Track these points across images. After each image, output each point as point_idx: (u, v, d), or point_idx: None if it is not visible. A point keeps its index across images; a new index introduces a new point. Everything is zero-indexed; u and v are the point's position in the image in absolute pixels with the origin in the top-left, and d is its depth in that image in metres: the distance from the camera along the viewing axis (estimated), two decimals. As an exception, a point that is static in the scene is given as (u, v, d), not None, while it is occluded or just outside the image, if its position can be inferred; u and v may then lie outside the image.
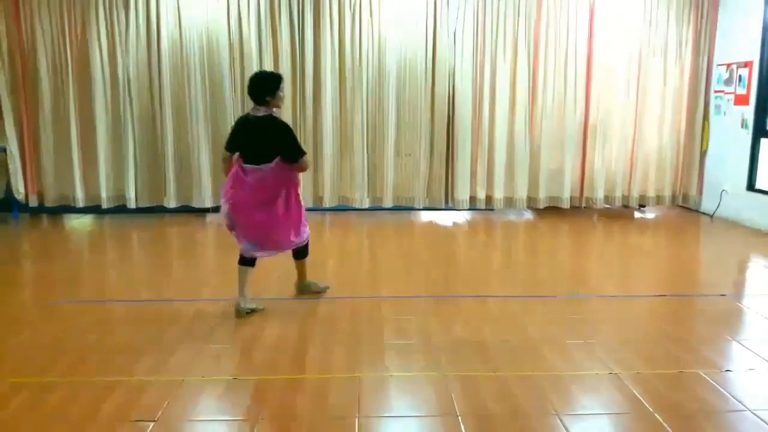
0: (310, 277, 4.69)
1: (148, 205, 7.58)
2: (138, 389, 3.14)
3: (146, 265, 5.82)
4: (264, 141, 4.06)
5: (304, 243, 4.46)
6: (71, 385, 3.18)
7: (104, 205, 7.46)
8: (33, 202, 7.50)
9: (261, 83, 4.09)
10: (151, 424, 2.82)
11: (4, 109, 7.23)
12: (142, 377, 3.28)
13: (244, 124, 4.18)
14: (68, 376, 3.28)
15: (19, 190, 7.39)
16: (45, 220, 7.62)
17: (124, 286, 5.05)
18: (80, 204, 7.44)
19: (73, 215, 7.66)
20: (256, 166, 4.06)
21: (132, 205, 7.48)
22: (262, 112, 4.09)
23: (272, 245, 4.26)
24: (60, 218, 7.63)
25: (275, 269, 4.97)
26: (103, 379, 3.25)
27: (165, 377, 3.28)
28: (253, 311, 4.21)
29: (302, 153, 4.14)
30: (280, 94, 4.14)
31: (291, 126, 4.30)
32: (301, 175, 4.37)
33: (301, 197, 4.37)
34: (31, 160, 7.42)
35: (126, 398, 3.05)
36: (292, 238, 4.31)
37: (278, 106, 4.19)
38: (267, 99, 4.07)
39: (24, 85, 7.27)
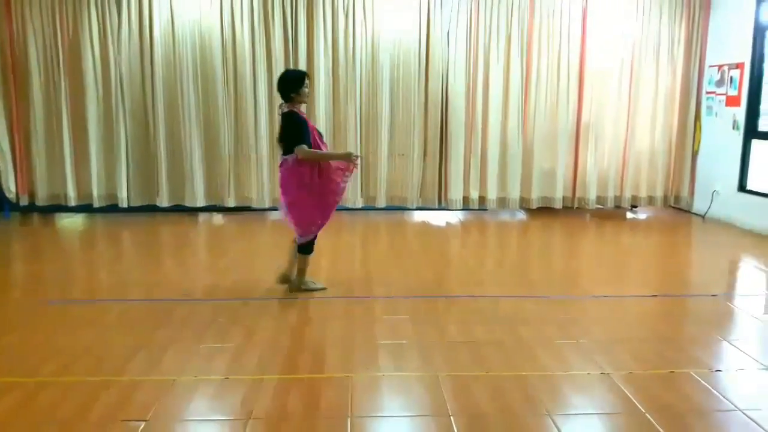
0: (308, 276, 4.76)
1: (140, 204, 7.55)
2: (130, 389, 3.13)
3: (138, 264, 5.79)
4: (284, 135, 4.38)
5: (309, 239, 4.54)
6: (63, 385, 3.16)
7: (96, 204, 7.43)
8: (24, 201, 7.46)
9: (284, 82, 4.42)
10: (143, 423, 2.81)
11: (-5, 108, 7.20)
12: (133, 377, 3.26)
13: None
14: (60, 376, 3.27)
15: (10, 188, 7.34)
16: (36, 219, 7.58)
17: (115, 285, 5.02)
18: (72, 203, 7.41)
19: (64, 214, 7.62)
20: (284, 157, 4.39)
21: (124, 204, 7.45)
22: (286, 108, 4.39)
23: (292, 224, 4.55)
24: (51, 217, 7.58)
25: (272, 268, 4.97)
26: (94, 378, 3.24)
27: (157, 377, 3.27)
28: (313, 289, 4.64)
29: (299, 141, 4.27)
30: (305, 90, 4.39)
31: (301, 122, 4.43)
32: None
33: (319, 193, 4.44)
34: (22, 159, 7.38)
35: (118, 398, 3.04)
36: (296, 226, 4.49)
37: (303, 102, 4.48)
38: (291, 96, 4.39)
39: (15, 84, 7.23)
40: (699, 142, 7.98)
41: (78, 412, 2.91)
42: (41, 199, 7.46)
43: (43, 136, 7.33)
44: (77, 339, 3.78)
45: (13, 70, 7.21)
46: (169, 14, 7.21)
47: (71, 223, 7.44)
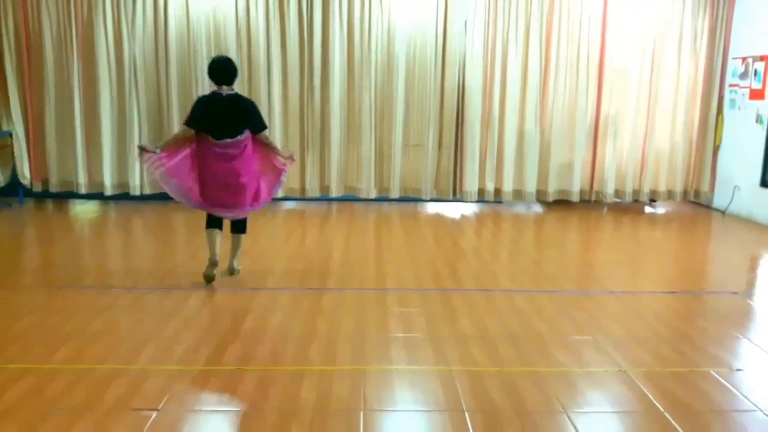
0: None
1: (152, 192, 7.54)
2: (141, 378, 3.11)
3: (150, 252, 5.79)
4: (250, 117, 4.70)
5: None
6: (74, 372, 3.15)
7: (108, 192, 7.41)
8: (37, 188, 7.49)
9: (234, 68, 4.68)
10: (154, 413, 2.79)
11: (10, 93, 7.20)
12: (145, 366, 3.25)
13: None
14: (71, 363, 3.26)
15: (24, 174, 7.37)
16: (49, 205, 7.60)
17: (127, 272, 5.01)
18: (84, 190, 7.41)
19: (77, 201, 7.64)
20: (237, 138, 4.60)
21: (136, 192, 7.44)
22: (232, 91, 4.67)
23: None
24: (65, 204, 7.60)
25: (284, 257, 4.94)
26: (105, 366, 3.23)
27: (168, 366, 3.25)
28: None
29: (264, 124, 4.76)
30: None
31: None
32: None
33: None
34: (35, 145, 7.39)
35: (128, 387, 3.02)
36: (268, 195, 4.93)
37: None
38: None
39: (29, 70, 7.23)
40: (721, 136, 7.83)
41: (89, 400, 2.89)
42: (54, 186, 7.47)
43: (56, 123, 7.33)
44: (89, 326, 3.77)
45: (28, 56, 7.20)
46: (184, 1, 7.16)
47: (84, 209, 7.45)
